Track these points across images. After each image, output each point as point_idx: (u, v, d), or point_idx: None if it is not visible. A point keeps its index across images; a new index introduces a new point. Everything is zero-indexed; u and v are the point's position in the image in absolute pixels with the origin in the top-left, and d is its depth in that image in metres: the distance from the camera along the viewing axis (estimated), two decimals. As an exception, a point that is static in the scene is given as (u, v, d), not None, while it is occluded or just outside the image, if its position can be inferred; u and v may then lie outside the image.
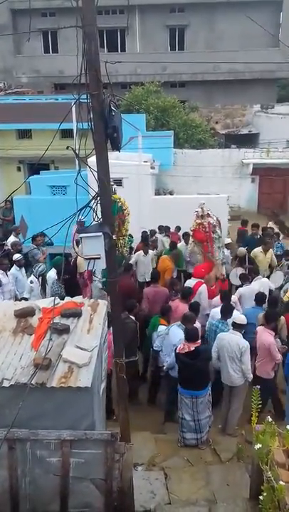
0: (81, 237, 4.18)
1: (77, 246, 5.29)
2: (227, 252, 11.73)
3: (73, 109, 4.38)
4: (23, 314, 5.31)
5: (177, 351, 6.46)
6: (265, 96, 31.34)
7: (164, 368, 7.20)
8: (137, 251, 11.59)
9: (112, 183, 10.92)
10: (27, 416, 4.44)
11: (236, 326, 6.87)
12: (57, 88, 31.25)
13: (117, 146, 4.11)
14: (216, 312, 7.84)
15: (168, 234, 12.84)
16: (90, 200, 4.24)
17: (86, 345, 4.91)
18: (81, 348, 4.88)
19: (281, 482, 4.05)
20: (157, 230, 12.93)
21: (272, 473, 4.18)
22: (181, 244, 11.98)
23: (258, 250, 11.14)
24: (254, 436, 4.65)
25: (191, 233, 10.41)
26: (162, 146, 17.90)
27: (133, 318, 7.75)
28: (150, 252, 11.39)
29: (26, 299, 8.32)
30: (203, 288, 8.89)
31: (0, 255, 9.61)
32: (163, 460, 6.28)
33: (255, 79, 30.92)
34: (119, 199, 11.04)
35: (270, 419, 4.67)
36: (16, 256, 9.81)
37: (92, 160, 4.34)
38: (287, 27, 31.83)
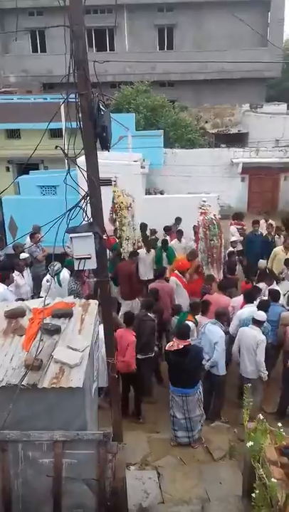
0: (71, 237, 4.16)
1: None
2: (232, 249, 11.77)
3: (62, 108, 4.36)
4: (14, 315, 5.29)
5: (166, 348, 6.48)
6: (254, 95, 31.45)
7: (206, 365, 7.15)
8: (138, 248, 11.58)
9: (114, 177, 11.16)
10: (18, 417, 4.43)
11: (255, 322, 7.18)
12: (45, 88, 31.08)
13: (106, 146, 4.10)
14: (242, 313, 7.93)
15: (168, 233, 12.85)
16: (80, 200, 4.22)
17: (77, 346, 4.89)
18: (72, 349, 4.86)
19: (273, 479, 4.07)
20: (155, 230, 12.80)
21: (264, 470, 4.20)
22: (174, 242, 12.01)
23: (279, 249, 11.22)
24: (246, 434, 4.67)
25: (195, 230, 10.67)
26: (152, 146, 17.89)
27: (151, 315, 7.79)
28: (152, 250, 11.40)
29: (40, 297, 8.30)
30: (173, 278, 9.41)
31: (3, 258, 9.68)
32: (156, 459, 6.29)
33: (244, 78, 31.00)
34: (115, 191, 11.25)
35: (261, 417, 4.69)
36: (23, 255, 9.83)
37: (82, 160, 4.33)
38: (275, 27, 32.00)
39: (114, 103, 23.40)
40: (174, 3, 31.55)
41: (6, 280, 8.75)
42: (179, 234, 12.19)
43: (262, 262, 10.97)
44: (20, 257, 9.77)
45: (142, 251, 11.33)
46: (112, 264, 10.09)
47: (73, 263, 9.43)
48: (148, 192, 18.22)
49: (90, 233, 4.15)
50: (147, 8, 31.72)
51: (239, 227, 13.14)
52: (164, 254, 11.25)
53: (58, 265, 9.56)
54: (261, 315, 7.25)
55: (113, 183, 11.22)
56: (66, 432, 4.49)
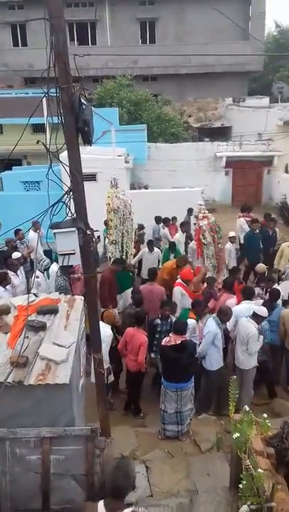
0: (54, 233, 4.13)
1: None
2: (231, 246, 11.54)
3: (44, 103, 4.32)
4: (-2, 312, 5.25)
5: (163, 343, 6.49)
6: (236, 89, 31.56)
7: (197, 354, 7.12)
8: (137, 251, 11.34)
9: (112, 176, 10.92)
10: (5, 415, 4.40)
11: (255, 316, 7.20)
12: (27, 82, 30.76)
13: (88, 140, 4.06)
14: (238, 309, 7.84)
15: (166, 225, 12.88)
16: (63, 196, 4.19)
17: (63, 342, 4.88)
18: (58, 345, 4.85)
19: (260, 470, 4.11)
20: (143, 225, 12.78)
21: (250, 461, 4.24)
22: (178, 234, 12.02)
23: (285, 245, 11.17)
24: (232, 425, 4.71)
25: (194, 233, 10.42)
26: (136, 140, 17.86)
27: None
28: (156, 249, 11.24)
29: (35, 295, 8.18)
30: (177, 289, 8.81)
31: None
32: (144, 453, 6.31)
33: (227, 72, 31.10)
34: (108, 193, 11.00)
35: (247, 409, 4.74)
36: (15, 254, 9.73)
37: (65, 155, 4.29)
38: (256, 20, 32.11)
39: (97, 97, 23.26)
40: (156, -4, 31.49)
41: (4, 281, 8.54)
42: (187, 225, 12.13)
43: (261, 266, 10.45)
44: (13, 257, 9.65)
45: (145, 250, 11.18)
46: None
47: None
48: (132, 187, 18.19)
49: (74, 229, 4.13)
50: (129, 2, 31.57)
51: (248, 219, 12.72)
52: (172, 256, 11.03)
53: (46, 260, 9.51)
54: (263, 310, 7.27)
55: (110, 183, 10.68)
56: (53, 428, 4.48)
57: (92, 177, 13.92)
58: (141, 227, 12.55)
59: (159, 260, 11.34)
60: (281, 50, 35.13)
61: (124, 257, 10.14)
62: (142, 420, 7.35)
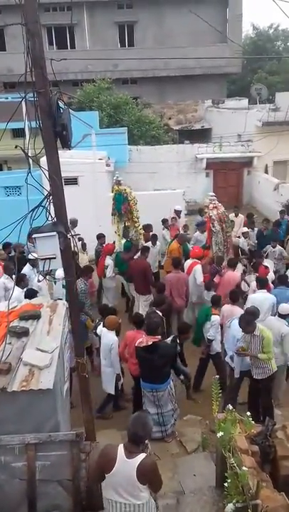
0: (35, 238, 4.12)
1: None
2: (243, 240, 12.30)
3: (23, 107, 4.30)
4: (-20, 319, 5.20)
5: (136, 345, 6.48)
6: (215, 91, 31.83)
7: (226, 358, 7.41)
8: (145, 241, 11.88)
9: (116, 176, 11.55)
10: (-12, 422, 4.37)
11: (281, 316, 7.51)
12: (6, 87, 30.53)
13: (67, 144, 4.07)
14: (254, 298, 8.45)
15: (167, 226, 13.08)
16: (43, 200, 4.19)
17: (46, 347, 4.87)
18: (41, 350, 4.83)
19: (244, 468, 4.15)
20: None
21: (235, 459, 4.27)
22: (165, 231, 12.84)
23: None
24: (216, 425, 4.74)
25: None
26: (116, 143, 17.87)
27: (160, 313, 7.82)
28: (158, 243, 11.81)
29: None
30: (198, 267, 9.94)
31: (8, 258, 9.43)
32: (130, 456, 6.29)
33: (206, 74, 31.34)
34: (125, 190, 11.77)
35: (230, 408, 4.78)
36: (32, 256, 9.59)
37: (45, 159, 4.29)
38: (234, 23, 32.45)
39: (77, 101, 23.22)
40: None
41: (21, 282, 8.53)
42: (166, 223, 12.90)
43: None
44: (30, 257, 9.52)
45: (149, 244, 11.59)
46: (123, 263, 10.75)
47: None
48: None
49: (54, 233, 4.13)
50: (107, 5, 31.62)
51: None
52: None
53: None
54: (286, 308, 7.48)
55: (116, 181, 12.04)
56: (38, 434, 4.45)
57: (73, 181, 13.89)
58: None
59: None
60: (259, 51, 35.62)
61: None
62: (127, 423, 7.30)
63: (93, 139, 14.53)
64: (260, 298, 8.31)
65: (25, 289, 8.32)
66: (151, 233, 12.08)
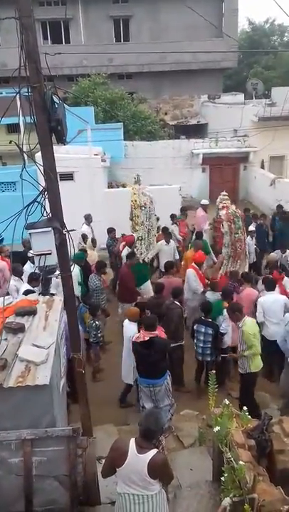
0: (30, 233, 4.11)
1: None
2: (250, 240, 11.72)
3: (18, 102, 4.27)
4: (-24, 315, 5.18)
5: (133, 340, 6.50)
6: (211, 86, 31.74)
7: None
8: (157, 241, 11.42)
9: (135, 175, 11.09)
10: (-15, 418, 4.35)
11: None
12: (0, 82, 30.36)
13: (61, 139, 4.05)
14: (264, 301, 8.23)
15: (176, 222, 12.89)
16: (38, 196, 4.17)
17: (42, 343, 4.85)
18: (37, 346, 4.82)
19: (241, 462, 4.16)
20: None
21: (231, 454, 4.29)
22: (174, 227, 12.46)
23: None
24: (213, 419, 4.76)
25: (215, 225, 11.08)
26: (112, 139, 17.82)
27: (178, 303, 7.82)
28: (172, 241, 11.40)
29: (53, 294, 7.99)
30: (190, 272, 9.43)
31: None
32: (127, 451, 6.30)
33: (202, 69, 31.23)
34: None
35: (227, 402, 4.79)
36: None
37: (40, 155, 4.26)
38: (229, 17, 32.33)
39: (72, 96, 23.11)
40: (129, -6, 31.41)
41: (33, 281, 8.23)
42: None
43: (273, 256, 10.89)
44: (28, 255, 9.34)
45: (162, 242, 11.24)
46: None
47: (82, 257, 9.33)
48: (110, 185, 18.16)
49: (49, 228, 4.11)
50: (102, 0, 31.38)
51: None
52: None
53: None
54: None
55: (134, 179, 11.34)
56: (35, 429, 4.45)
57: (69, 176, 13.86)
58: (157, 219, 12.47)
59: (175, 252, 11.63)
60: (254, 46, 35.55)
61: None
62: (124, 418, 7.35)
63: (89, 134, 14.48)
64: (270, 300, 8.20)
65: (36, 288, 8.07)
66: (162, 228, 11.76)
